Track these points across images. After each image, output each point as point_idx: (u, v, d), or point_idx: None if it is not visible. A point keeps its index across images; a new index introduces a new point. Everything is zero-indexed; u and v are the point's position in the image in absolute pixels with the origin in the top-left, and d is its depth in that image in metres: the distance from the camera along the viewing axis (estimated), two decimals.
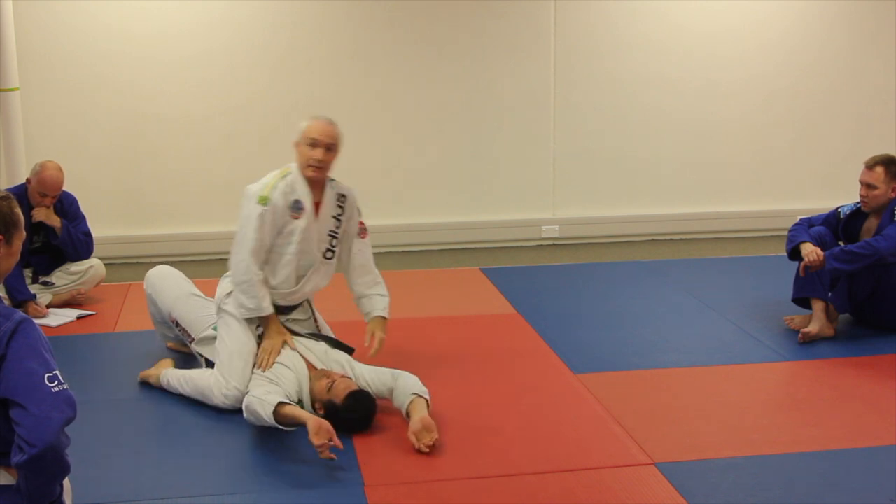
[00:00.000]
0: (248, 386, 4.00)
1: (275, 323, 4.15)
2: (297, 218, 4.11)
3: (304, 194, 4.12)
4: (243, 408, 3.82)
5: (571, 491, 3.42)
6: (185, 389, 4.19)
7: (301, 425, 3.64)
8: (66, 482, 2.68)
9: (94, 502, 3.29)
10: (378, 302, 4.36)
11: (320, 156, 4.07)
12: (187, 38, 6.74)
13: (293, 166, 4.17)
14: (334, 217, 4.24)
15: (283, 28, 6.86)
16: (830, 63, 7.47)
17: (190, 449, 3.80)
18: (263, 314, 4.12)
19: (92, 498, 3.29)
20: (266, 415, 3.68)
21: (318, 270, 4.29)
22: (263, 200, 4.05)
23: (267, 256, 4.13)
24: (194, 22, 6.73)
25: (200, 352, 4.38)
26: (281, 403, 3.69)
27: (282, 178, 4.12)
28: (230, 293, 4.20)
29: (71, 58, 6.64)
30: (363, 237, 4.38)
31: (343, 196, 4.26)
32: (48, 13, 6.57)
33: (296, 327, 4.31)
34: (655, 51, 7.24)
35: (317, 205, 4.17)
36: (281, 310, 4.24)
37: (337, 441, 3.54)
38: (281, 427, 3.69)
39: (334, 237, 4.27)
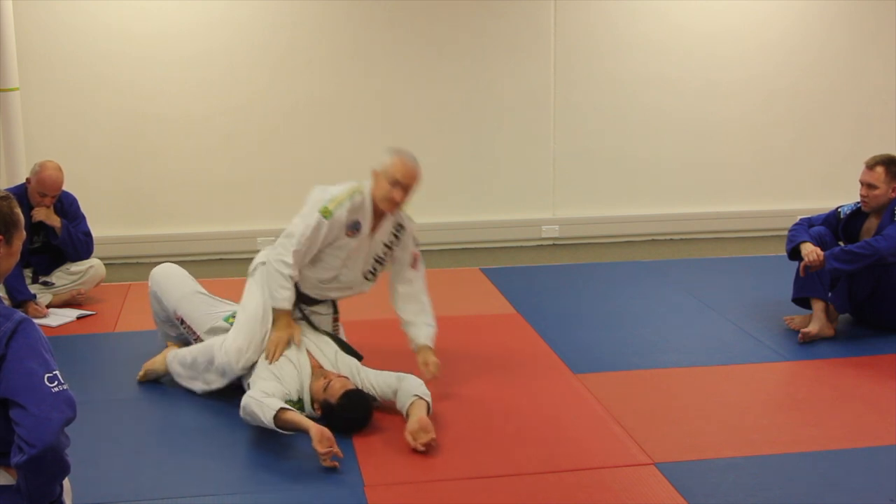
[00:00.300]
0: (252, 354, 4.05)
1: (286, 317, 4.15)
2: (351, 236, 4.12)
3: (366, 219, 4.13)
4: (241, 407, 3.81)
5: (571, 491, 3.42)
6: (192, 353, 4.22)
7: (302, 431, 3.65)
8: (66, 482, 2.68)
9: (94, 502, 3.29)
10: (424, 331, 4.31)
11: (399, 197, 4.07)
12: (187, 38, 6.74)
13: (365, 188, 4.13)
14: (386, 244, 4.24)
15: (283, 28, 6.86)
16: (830, 63, 7.47)
17: (190, 449, 3.80)
18: (281, 308, 4.11)
19: (92, 498, 3.29)
20: (266, 419, 3.68)
21: (352, 287, 4.31)
22: (326, 213, 4.04)
23: (312, 259, 4.15)
24: (194, 22, 6.73)
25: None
26: (282, 409, 3.69)
27: (350, 196, 4.08)
28: (264, 264, 4.24)
29: (71, 58, 6.64)
30: (415, 268, 4.35)
31: (401, 227, 4.25)
32: (48, 13, 6.57)
33: (314, 318, 4.32)
34: (655, 51, 7.24)
35: (373, 228, 4.17)
36: (306, 299, 4.26)
37: (338, 450, 3.55)
38: (280, 431, 3.69)
39: (379, 262, 4.28)
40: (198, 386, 4.24)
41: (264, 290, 4.17)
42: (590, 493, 3.40)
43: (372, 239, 4.18)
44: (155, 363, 4.40)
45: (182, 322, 4.51)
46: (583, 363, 4.62)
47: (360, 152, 7.04)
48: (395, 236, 4.24)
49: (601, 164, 7.33)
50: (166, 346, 4.75)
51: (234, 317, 4.28)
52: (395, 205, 4.09)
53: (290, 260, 4.06)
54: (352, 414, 3.86)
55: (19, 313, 2.55)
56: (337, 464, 3.55)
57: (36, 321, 2.62)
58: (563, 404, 4.19)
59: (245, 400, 3.80)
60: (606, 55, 7.20)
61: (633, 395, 4.26)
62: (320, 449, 3.52)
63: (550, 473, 3.54)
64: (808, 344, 4.86)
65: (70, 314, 5.36)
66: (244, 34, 6.81)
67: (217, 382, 4.17)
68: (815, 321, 4.91)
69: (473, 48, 7.06)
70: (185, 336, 4.56)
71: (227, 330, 4.25)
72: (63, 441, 2.48)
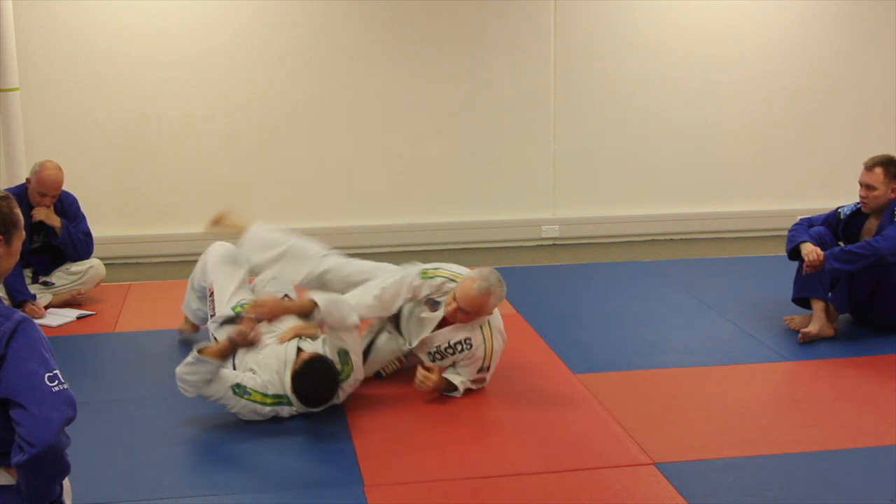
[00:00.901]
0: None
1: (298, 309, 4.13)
2: (427, 307, 4.20)
3: (444, 307, 4.19)
4: (178, 384, 3.90)
5: (571, 491, 3.42)
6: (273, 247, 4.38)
7: (235, 346, 3.82)
8: (66, 482, 2.68)
9: (94, 502, 3.29)
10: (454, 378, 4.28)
11: (450, 313, 4.12)
12: (187, 38, 6.74)
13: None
14: (449, 345, 4.20)
15: (283, 28, 6.86)
16: (830, 63, 7.46)
17: (190, 449, 3.81)
18: (314, 301, 4.02)
19: (92, 498, 3.29)
20: (191, 356, 3.78)
21: (390, 347, 4.35)
22: (425, 274, 4.21)
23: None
24: (194, 22, 6.73)
25: (214, 334, 4.37)
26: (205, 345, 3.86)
27: (449, 279, 4.21)
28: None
29: (71, 58, 6.64)
30: (477, 379, 4.26)
31: (469, 343, 4.19)
32: (48, 13, 6.57)
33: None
34: (655, 51, 7.24)
35: (445, 322, 4.19)
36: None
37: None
38: (206, 362, 3.78)
39: (430, 355, 4.25)
40: (245, 267, 4.47)
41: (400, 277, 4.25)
42: (590, 493, 3.40)
43: (439, 330, 4.20)
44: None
45: (211, 295, 4.50)
46: (583, 363, 4.62)
47: (360, 152, 7.07)
48: (460, 345, 4.19)
49: (601, 164, 7.33)
50: (178, 332, 4.80)
51: (241, 307, 4.28)
52: (453, 317, 4.12)
53: (376, 293, 4.14)
54: (308, 379, 3.86)
55: (19, 313, 2.55)
56: (264, 313, 3.89)
57: (35, 321, 2.62)
58: (563, 404, 4.19)
59: (177, 375, 3.88)
60: (606, 55, 7.20)
61: (633, 395, 4.26)
62: (249, 317, 3.86)
63: (550, 473, 3.54)
64: (808, 344, 4.86)
65: (70, 314, 5.36)
66: (244, 34, 6.81)
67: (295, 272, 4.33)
68: (815, 321, 4.91)
69: (473, 48, 7.06)
70: (205, 313, 4.61)
71: (230, 318, 4.27)
72: (63, 441, 2.48)
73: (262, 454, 3.72)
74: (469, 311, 4.10)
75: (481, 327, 4.17)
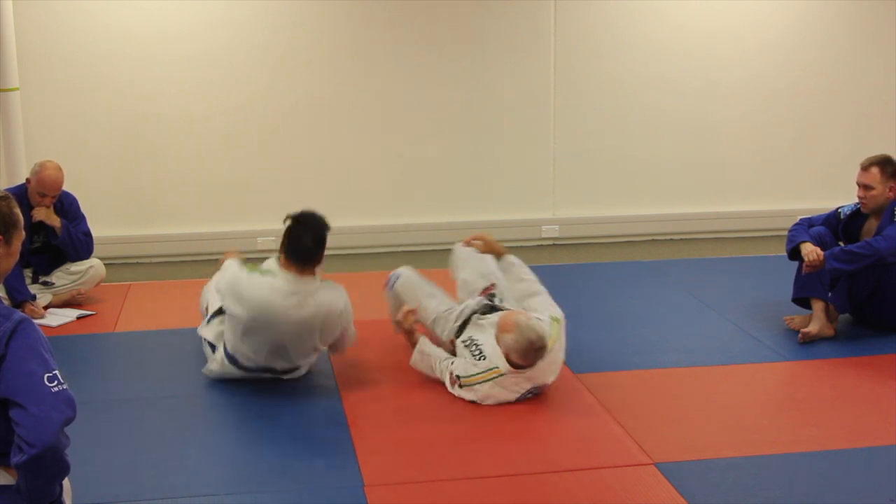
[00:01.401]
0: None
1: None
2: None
3: None
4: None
5: (571, 491, 3.43)
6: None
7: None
8: (66, 482, 2.68)
9: (94, 502, 3.29)
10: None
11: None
12: (187, 38, 6.74)
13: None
14: (476, 341, 4.30)
15: (283, 28, 6.85)
16: (830, 63, 7.46)
17: (190, 449, 3.80)
18: None
19: (92, 498, 3.29)
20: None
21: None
22: (554, 320, 4.38)
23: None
24: (194, 22, 6.73)
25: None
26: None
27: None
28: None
29: (71, 58, 6.64)
30: (450, 377, 4.31)
31: (483, 356, 4.24)
32: (48, 13, 6.57)
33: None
34: (655, 51, 7.23)
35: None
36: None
37: None
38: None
39: (467, 339, 4.33)
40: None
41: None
42: (590, 493, 3.41)
43: (489, 331, 4.32)
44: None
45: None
46: (583, 363, 4.62)
47: (360, 152, 7.07)
48: (476, 351, 4.23)
49: (601, 164, 7.33)
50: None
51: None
52: None
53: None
54: (307, 213, 4.18)
55: (19, 313, 2.55)
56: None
57: (35, 321, 2.62)
58: (563, 404, 4.19)
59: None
60: (606, 55, 7.20)
61: (633, 395, 4.26)
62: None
63: (550, 473, 3.55)
64: (808, 344, 4.86)
65: (70, 314, 5.36)
66: (244, 34, 6.81)
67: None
68: (815, 321, 4.91)
69: (473, 48, 7.06)
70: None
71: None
72: (63, 441, 2.48)
73: (261, 454, 3.72)
74: (498, 327, 4.16)
75: (497, 368, 4.12)
